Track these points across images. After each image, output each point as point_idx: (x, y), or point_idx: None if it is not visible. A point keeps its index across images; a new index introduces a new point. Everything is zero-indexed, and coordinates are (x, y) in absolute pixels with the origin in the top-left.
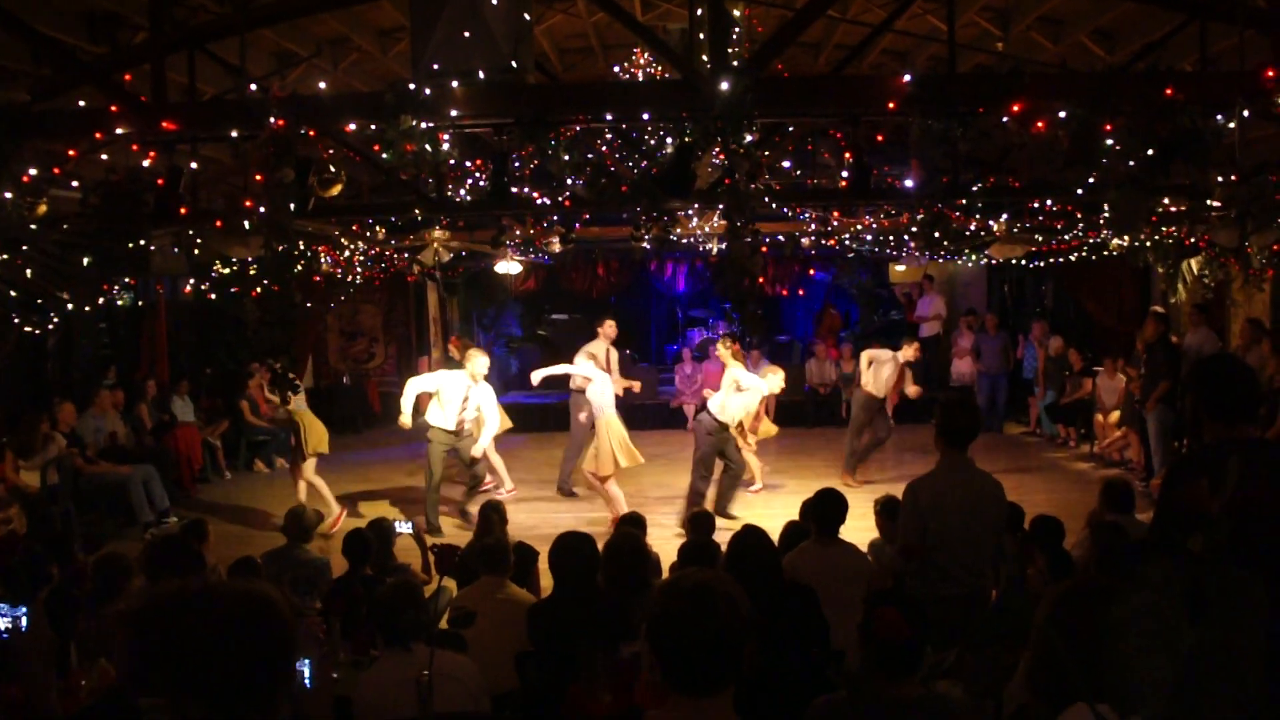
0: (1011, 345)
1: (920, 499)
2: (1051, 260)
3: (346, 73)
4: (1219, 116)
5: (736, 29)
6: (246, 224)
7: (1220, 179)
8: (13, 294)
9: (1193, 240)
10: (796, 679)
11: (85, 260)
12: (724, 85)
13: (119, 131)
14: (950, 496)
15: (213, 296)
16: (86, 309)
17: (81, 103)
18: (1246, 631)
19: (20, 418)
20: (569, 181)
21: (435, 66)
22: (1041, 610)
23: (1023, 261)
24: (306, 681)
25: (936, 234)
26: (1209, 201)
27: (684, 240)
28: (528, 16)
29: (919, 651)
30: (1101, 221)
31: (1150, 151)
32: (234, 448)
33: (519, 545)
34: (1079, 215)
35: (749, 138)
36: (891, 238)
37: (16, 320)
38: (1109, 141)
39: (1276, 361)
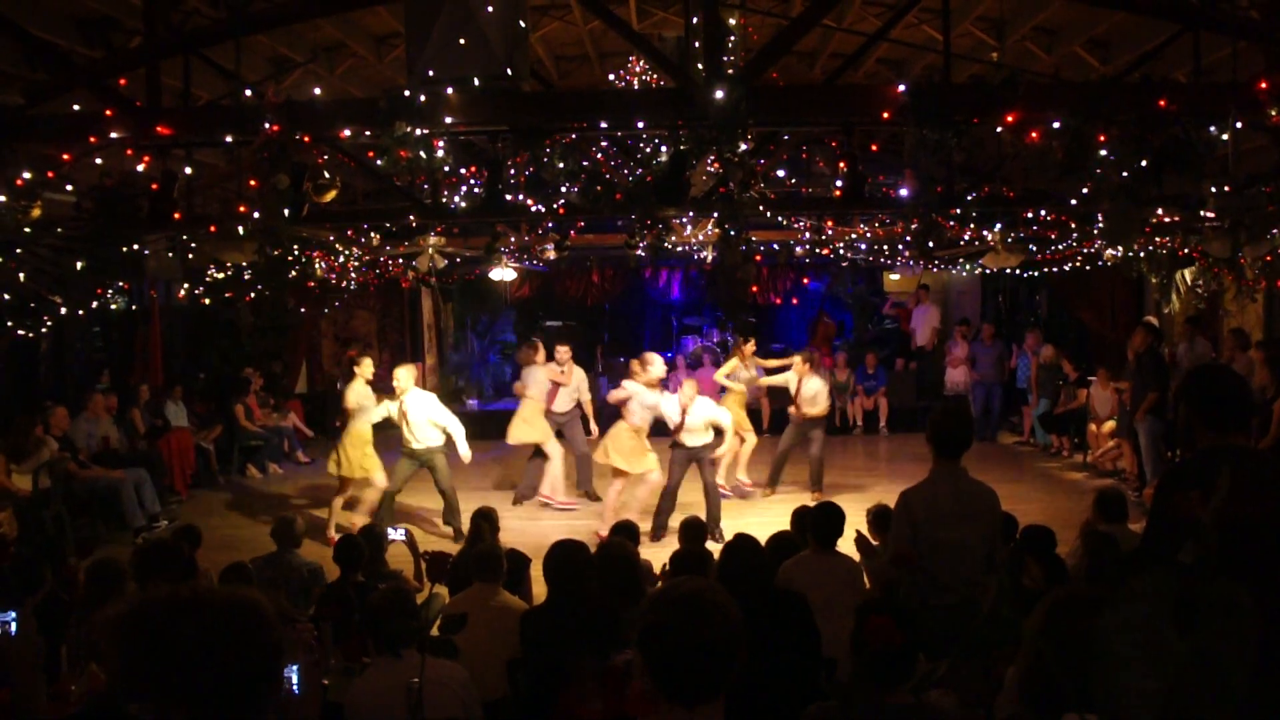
0: (1006, 355)
1: (914, 508)
2: (1046, 270)
3: (342, 79)
4: (1212, 127)
5: (732, 37)
6: (241, 229)
7: (1213, 190)
8: (5, 297)
9: (1186, 251)
10: (788, 687)
11: (79, 264)
12: (719, 94)
13: (113, 136)
14: (943, 506)
15: (207, 301)
16: (80, 313)
17: (76, 106)
18: (1235, 643)
19: (12, 421)
20: (564, 189)
21: (430, 73)
22: (1033, 620)
23: (1017, 271)
24: (294, 688)
25: (930, 243)
26: (1202, 212)
27: (678, 248)
28: (523, 24)
29: (911, 660)
30: (1095, 231)
31: (1144, 162)
32: (227, 453)
33: (511, 553)
34: (1073, 225)
35: (743, 146)
36: (885, 247)
37: (9, 323)
38: (1103, 152)
39: (1268, 372)
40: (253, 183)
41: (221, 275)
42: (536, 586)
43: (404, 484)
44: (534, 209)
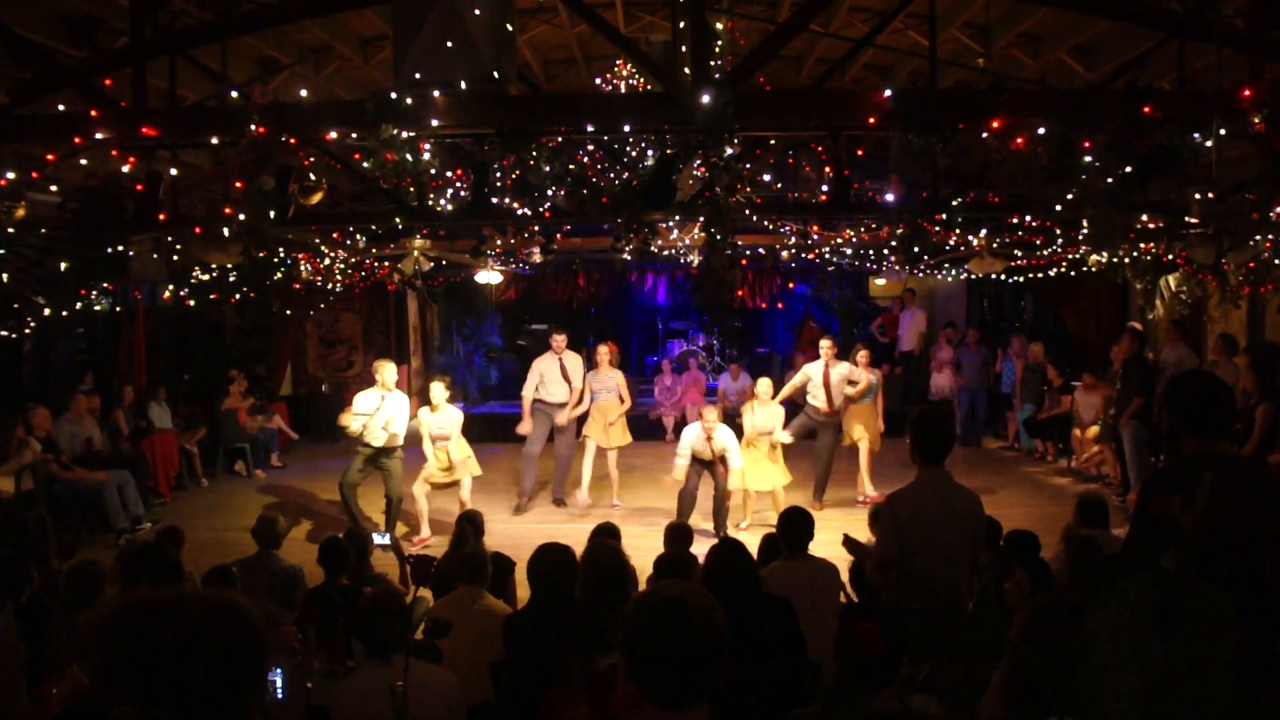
0: (991, 359)
1: (898, 512)
2: (1030, 275)
3: (328, 81)
4: (1196, 134)
5: (719, 42)
6: (226, 231)
7: (1198, 196)
8: None
9: (1170, 257)
10: (772, 691)
11: (63, 265)
12: (705, 98)
13: (98, 136)
14: (927, 510)
15: (191, 303)
16: (64, 314)
17: (61, 107)
18: (1217, 648)
19: None
20: (550, 192)
21: (417, 76)
22: (1016, 624)
23: (1002, 276)
24: (279, 692)
25: (916, 248)
26: (1186, 219)
27: (664, 252)
28: (510, 27)
29: (894, 664)
30: (1080, 237)
31: (1128, 168)
32: (211, 455)
33: (496, 556)
34: (1058, 231)
35: (730, 150)
36: (871, 251)
37: None
38: (1088, 158)
39: (1252, 378)
40: (238, 184)
41: (206, 277)
42: (521, 590)
43: (361, 478)
44: (520, 212)
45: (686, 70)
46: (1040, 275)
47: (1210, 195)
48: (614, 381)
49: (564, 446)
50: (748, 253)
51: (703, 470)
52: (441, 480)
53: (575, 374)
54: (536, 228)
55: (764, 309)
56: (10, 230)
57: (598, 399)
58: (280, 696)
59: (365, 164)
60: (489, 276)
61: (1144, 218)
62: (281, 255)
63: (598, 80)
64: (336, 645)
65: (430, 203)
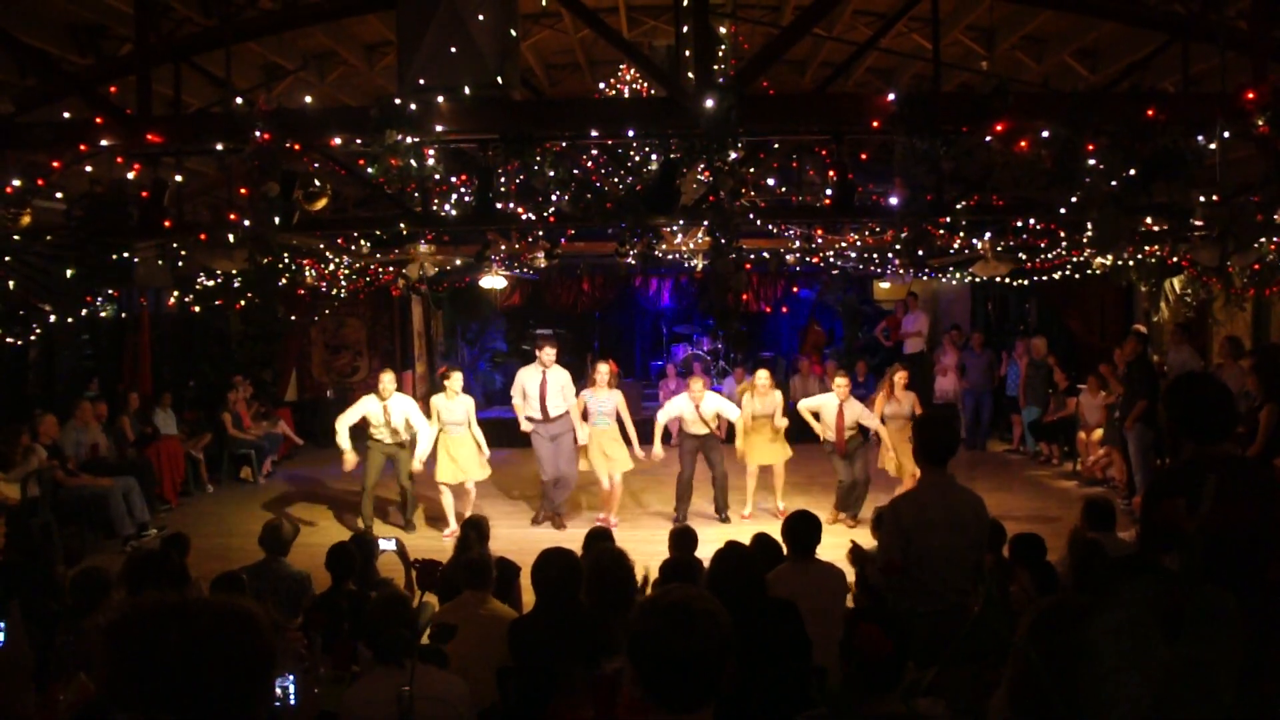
0: (996, 362)
1: (903, 516)
2: (1035, 278)
3: (333, 87)
4: (1200, 137)
5: (722, 46)
6: (231, 237)
7: (1201, 199)
8: None
9: (1175, 259)
10: (778, 695)
11: (69, 272)
12: (709, 102)
13: (104, 143)
14: (932, 513)
15: (196, 309)
16: (69, 320)
17: (66, 114)
18: (1222, 650)
19: (0, 429)
20: (554, 197)
21: (421, 81)
22: (1021, 628)
23: (1006, 279)
24: (291, 698)
25: (920, 252)
26: (1191, 221)
27: (669, 256)
28: (514, 32)
29: (900, 668)
30: (1084, 240)
31: (1132, 171)
32: (217, 460)
33: (501, 560)
34: (1062, 234)
35: (734, 155)
36: (875, 255)
37: None
38: (1091, 161)
39: (1256, 380)
40: (243, 191)
41: (211, 283)
42: (526, 595)
43: (379, 477)
44: (524, 217)
45: (690, 75)
46: (1045, 278)
47: (1214, 198)
48: (612, 404)
49: (564, 463)
50: (752, 257)
51: (698, 454)
52: (451, 481)
53: (567, 392)
54: (541, 232)
55: (768, 313)
56: (16, 237)
57: (595, 424)
58: (293, 704)
59: (370, 170)
60: (493, 281)
61: (1148, 220)
62: (286, 261)
63: (601, 85)
64: (342, 650)
65: (435, 208)
